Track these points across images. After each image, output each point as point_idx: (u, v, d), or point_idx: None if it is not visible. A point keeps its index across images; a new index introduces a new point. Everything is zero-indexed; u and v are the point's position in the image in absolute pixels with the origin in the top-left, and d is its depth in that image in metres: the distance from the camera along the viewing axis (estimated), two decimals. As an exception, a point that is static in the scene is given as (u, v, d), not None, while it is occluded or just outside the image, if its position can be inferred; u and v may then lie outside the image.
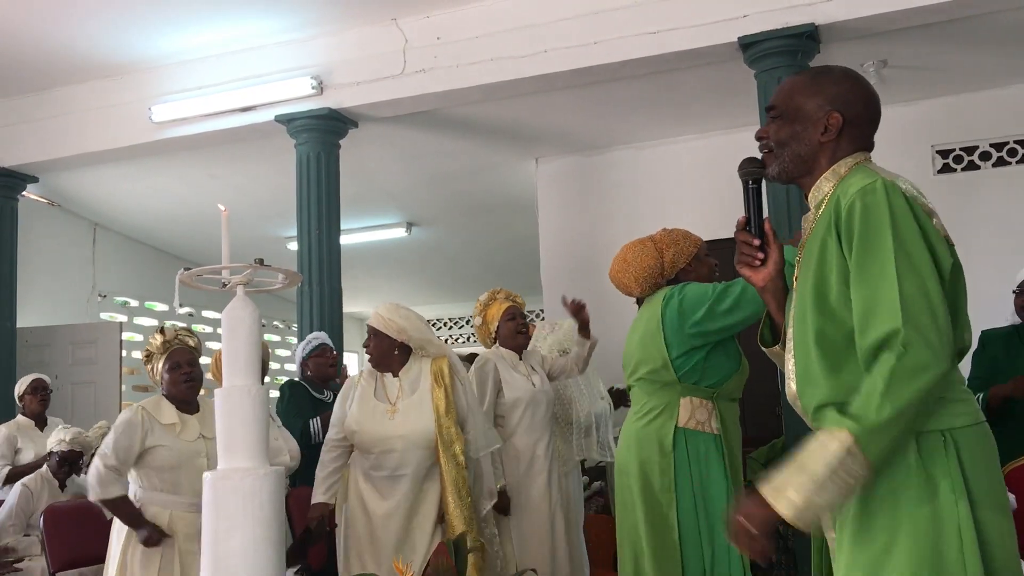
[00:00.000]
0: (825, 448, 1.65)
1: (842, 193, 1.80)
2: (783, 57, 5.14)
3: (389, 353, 3.75)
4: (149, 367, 3.76)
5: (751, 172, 2.01)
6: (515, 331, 4.33)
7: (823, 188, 1.89)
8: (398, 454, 3.59)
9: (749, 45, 5.20)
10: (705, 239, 6.44)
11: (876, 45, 5.45)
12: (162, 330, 3.75)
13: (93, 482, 3.51)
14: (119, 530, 3.58)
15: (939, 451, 1.68)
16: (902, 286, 1.67)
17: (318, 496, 3.66)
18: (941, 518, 1.65)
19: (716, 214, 6.79)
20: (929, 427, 1.70)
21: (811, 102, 1.91)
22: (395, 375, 3.75)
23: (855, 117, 1.90)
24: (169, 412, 3.66)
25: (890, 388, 1.63)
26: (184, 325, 5.12)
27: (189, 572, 3.58)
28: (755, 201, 1.99)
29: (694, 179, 6.93)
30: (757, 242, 1.97)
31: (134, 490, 3.64)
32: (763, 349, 2.09)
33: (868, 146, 1.94)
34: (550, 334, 4.88)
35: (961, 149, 6.41)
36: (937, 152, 6.43)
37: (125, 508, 3.54)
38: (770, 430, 6.19)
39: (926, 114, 6.38)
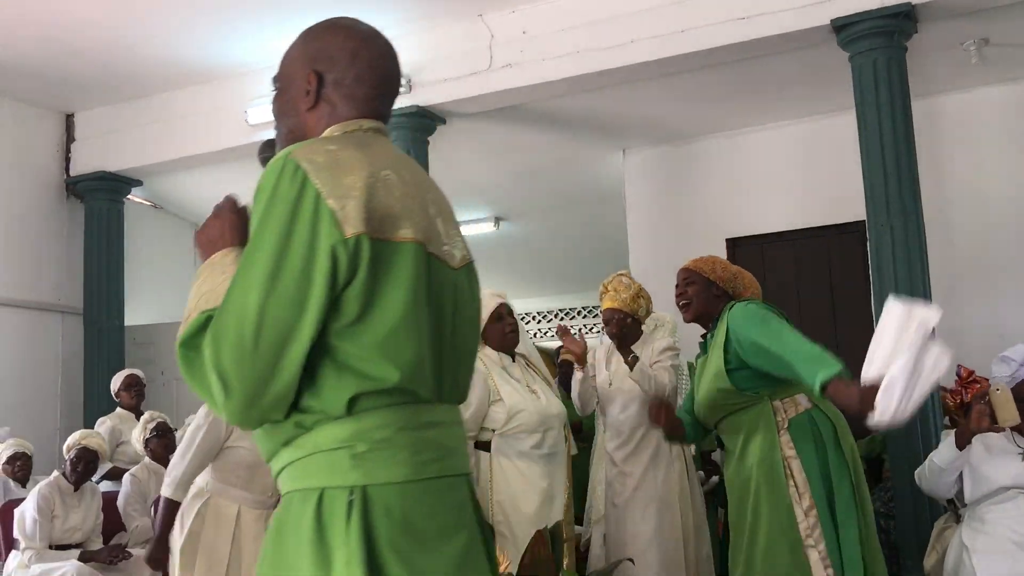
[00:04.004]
0: (194, 315, 1.42)
1: None
2: (878, 38, 5.00)
3: (518, 336, 3.82)
4: None
5: (266, 159, 1.70)
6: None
7: None
8: (556, 432, 3.67)
9: (842, 27, 5.07)
10: (800, 227, 6.31)
11: (976, 23, 5.25)
12: None
13: (171, 479, 3.49)
14: (180, 527, 3.54)
15: (339, 514, 1.35)
16: (234, 289, 1.36)
17: None
18: None
19: (812, 201, 6.66)
20: (335, 483, 1.37)
21: (296, 65, 1.61)
22: (513, 359, 3.80)
23: (340, 75, 1.57)
24: None
25: (188, 366, 1.39)
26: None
27: (254, 569, 3.57)
28: None
29: (789, 166, 6.80)
30: None
31: (206, 480, 3.61)
32: None
33: (377, 112, 1.60)
34: (655, 329, 4.72)
35: (1070, 128, 6.13)
36: (1044, 132, 6.17)
37: (170, 516, 3.50)
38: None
39: (1031, 93, 6.12)
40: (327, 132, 1.56)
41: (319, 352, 1.37)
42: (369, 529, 1.34)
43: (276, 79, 1.66)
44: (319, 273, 1.34)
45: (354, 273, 1.36)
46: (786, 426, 3.11)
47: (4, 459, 5.54)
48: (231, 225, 1.53)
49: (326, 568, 1.34)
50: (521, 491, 3.54)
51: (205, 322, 1.38)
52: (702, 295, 3.35)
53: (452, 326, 1.53)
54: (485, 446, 3.63)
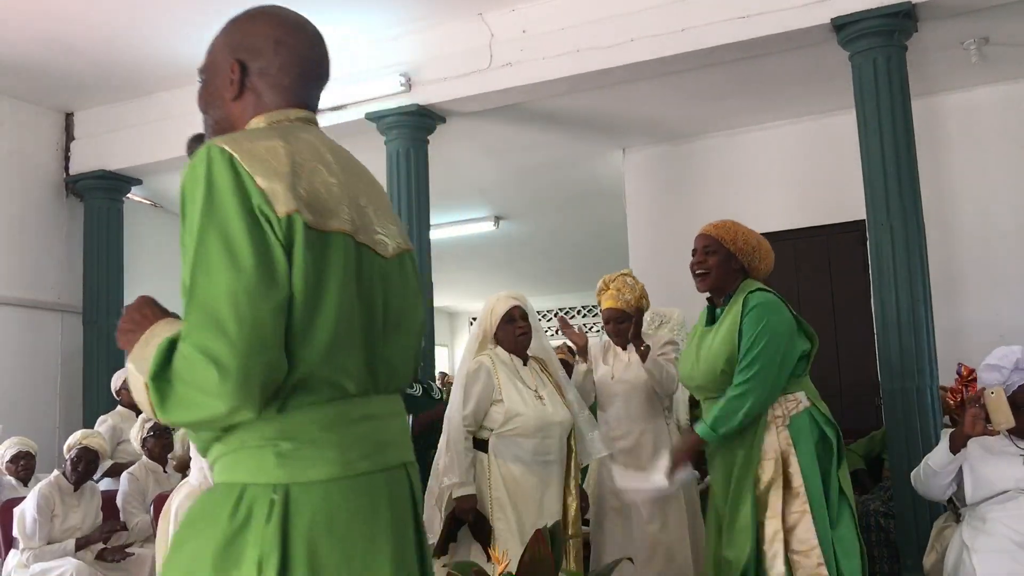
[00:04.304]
0: (156, 346, 1.37)
1: None
2: (879, 37, 4.99)
3: (532, 336, 3.79)
4: None
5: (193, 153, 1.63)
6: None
7: None
8: (555, 440, 3.64)
9: (843, 26, 5.06)
10: (799, 226, 6.32)
11: (976, 22, 5.25)
12: None
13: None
14: (174, 522, 3.46)
15: (259, 512, 1.33)
16: (196, 284, 1.35)
17: (466, 488, 3.52)
18: None
19: (812, 200, 6.66)
20: (258, 480, 1.35)
21: (220, 55, 1.58)
22: (525, 363, 3.78)
23: (265, 65, 1.55)
24: None
25: (163, 398, 1.33)
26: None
27: None
28: None
29: (789, 165, 6.80)
30: None
31: (199, 479, 3.57)
32: None
33: (305, 101, 1.59)
34: (660, 326, 4.78)
35: (1070, 127, 6.12)
36: (1044, 131, 6.16)
37: None
38: (868, 422, 6.05)
39: (1032, 92, 6.12)
40: (252, 123, 1.55)
41: None
42: (287, 531, 1.32)
43: (201, 70, 1.63)
44: (272, 243, 1.34)
45: (290, 254, 1.35)
46: (786, 423, 3.11)
47: (8, 458, 5.54)
48: (149, 304, 1.52)
49: (233, 566, 1.31)
50: (514, 495, 3.53)
51: (168, 347, 1.34)
52: (722, 267, 3.28)
53: (384, 316, 1.51)
54: (483, 446, 3.63)
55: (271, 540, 1.31)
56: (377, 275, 1.49)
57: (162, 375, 1.33)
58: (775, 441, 3.11)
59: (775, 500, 3.07)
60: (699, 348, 3.31)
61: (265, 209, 1.34)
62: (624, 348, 4.24)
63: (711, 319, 3.36)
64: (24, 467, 5.56)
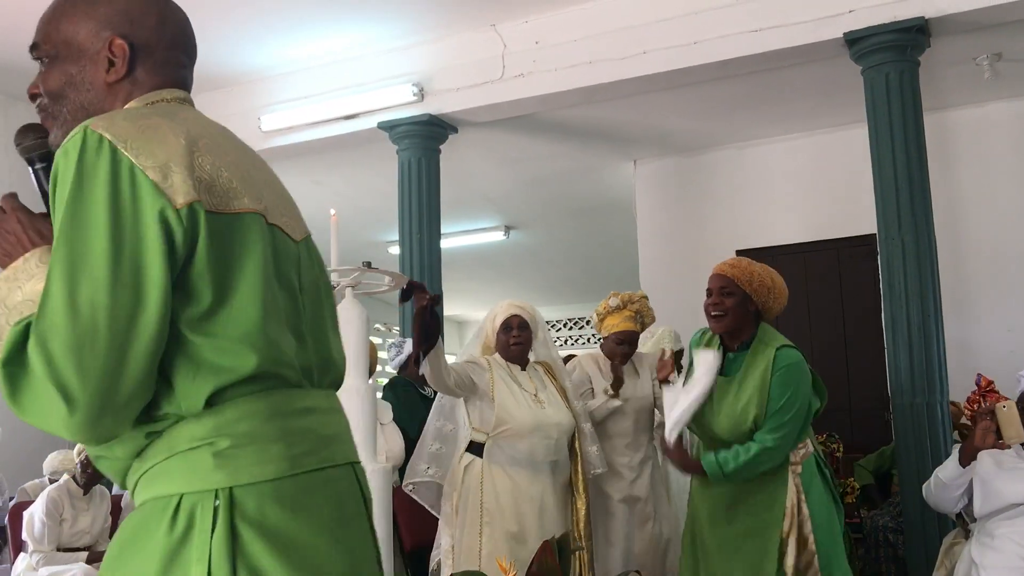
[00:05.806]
0: (11, 327, 1.19)
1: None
2: (891, 52, 5.00)
3: (529, 346, 3.81)
4: None
5: (32, 147, 1.41)
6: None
7: None
8: (554, 442, 3.63)
9: (855, 41, 5.07)
10: (810, 239, 6.29)
11: (990, 38, 5.26)
12: None
13: None
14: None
15: (202, 523, 1.17)
16: (51, 284, 1.14)
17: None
18: None
19: (822, 214, 6.66)
20: (195, 487, 1.19)
21: (83, 30, 1.36)
22: (523, 368, 3.79)
23: (149, 41, 1.38)
24: None
25: (15, 391, 1.16)
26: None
27: None
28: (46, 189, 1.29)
29: (800, 178, 6.80)
30: None
31: None
32: None
33: (184, 81, 1.44)
34: (648, 339, 4.85)
35: (1083, 144, 6.12)
36: (1056, 147, 6.16)
37: None
38: (878, 437, 6.03)
39: (1044, 108, 6.12)
40: (128, 107, 1.36)
41: (170, 349, 1.19)
42: (235, 540, 1.17)
43: (38, 48, 1.40)
44: (152, 248, 1.16)
45: (193, 247, 1.19)
46: (798, 471, 3.11)
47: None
48: (23, 225, 1.30)
49: None
50: (510, 499, 3.51)
51: (26, 330, 1.16)
52: (739, 310, 3.16)
53: (308, 304, 1.38)
54: (479, 450, 3.61)
55: (219, 552, 1.15)
56: (292, 260, 1.37)
57: (16, 360, 1.15)
58: (792, 491, 3.08)
59: (791, 550, 3.04)
60: (719, 400, 3.19)
61: (157, 199, 1.17)
62: (621, 367, 4.27)
63: (728, 371, 3.25)
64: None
